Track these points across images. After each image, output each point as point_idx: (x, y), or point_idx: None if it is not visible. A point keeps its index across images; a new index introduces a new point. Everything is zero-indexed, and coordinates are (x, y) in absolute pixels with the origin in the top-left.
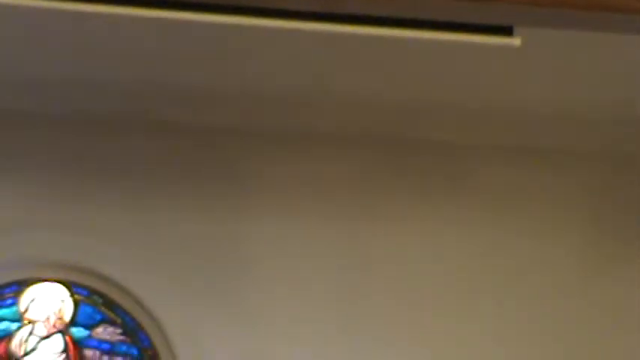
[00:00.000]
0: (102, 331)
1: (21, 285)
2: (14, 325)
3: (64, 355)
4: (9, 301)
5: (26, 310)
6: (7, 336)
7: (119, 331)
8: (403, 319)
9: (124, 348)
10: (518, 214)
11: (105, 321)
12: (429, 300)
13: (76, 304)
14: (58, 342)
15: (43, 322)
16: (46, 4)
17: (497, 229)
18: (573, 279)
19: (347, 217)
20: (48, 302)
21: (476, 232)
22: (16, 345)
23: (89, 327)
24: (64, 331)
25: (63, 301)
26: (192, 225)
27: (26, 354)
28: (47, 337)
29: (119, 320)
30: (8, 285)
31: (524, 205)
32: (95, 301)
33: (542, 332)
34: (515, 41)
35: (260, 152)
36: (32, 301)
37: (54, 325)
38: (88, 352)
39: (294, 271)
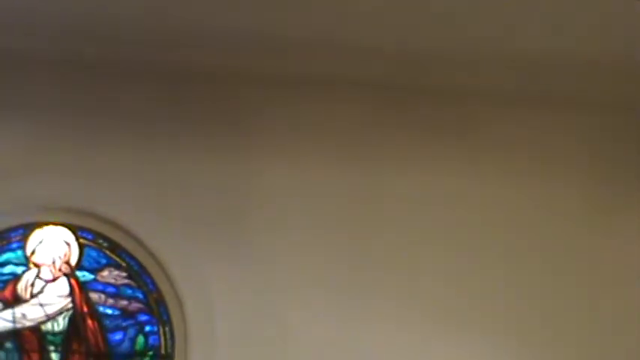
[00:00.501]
0: (107, 275)
1: (27, 229)
2: (20, 269)
3: (69, 299)
4: (15, 245)
5: (32, 254)
6: (14, 279)
7: (124, 274)
8: (414, 258)
9: (129, 291)
10: (523, 157)
11: (110, 264)
12: (439, 238)
13: (81, 247)
14: (63, 285)
15: (49, 265)
16: None
17: (503, 171)
18: (576, 225)
19: (357, 158)
20: (53, 246)
21: (482, 173)
22: (22, 288)
23: (94, 271)
24: (69, 275)
25: (68, 244)
26: (198, 167)
27: (32, 297)
28: (53, 280)
29: (124, 264)
30: (14, 229)
31: (529, 149)
32: (100, 245)
33: (544, 273)
34: None
35: (268, 94)
36: (38, 244)
37: (59, 269)
38: (94, 296)
39: (302, 212)
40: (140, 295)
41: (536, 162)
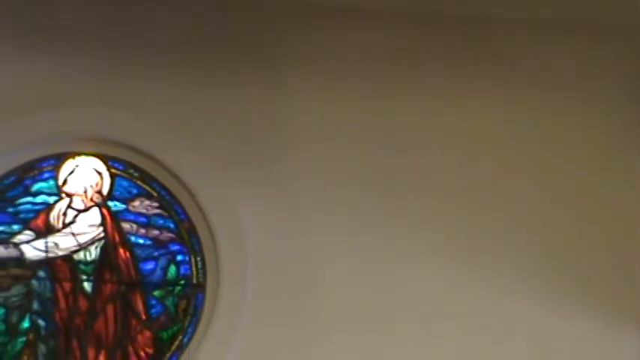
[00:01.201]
0: (138, 205)
1: (58, 159)
2: (52, 199)
3: (101, 229)
4: (47, 175)
5: (64, 184)
6: (46, 209)
7: (155, 204)
8: (440, 195)
9: (160, 221)
10: (548, 88)
11: (141, 195)
12: (469, 172)
13: (113, 177)
14: (95, 215)
15: (81, 195)
16: None
17: (540, 105)
18: (597, 156)
19: (384, 91)
20: (85, 176)
21: (517, 106)
22: (54, 218)
23: (126, 201)
24: (101, 205)
25: (100, 174)
26: (229, 99)
27: (64, 227)
28: (85, 210)
29: (155, 194)
30: (46, 159)
31: (554, 79)
32: (131, 175)
33: (582, 209)
34: None
35: (297, 26)
36: (70, 174)
37: (91, 199)
38: (125, 225)
39: (330, 146)
40: (172, 225)
41: (575, 95)
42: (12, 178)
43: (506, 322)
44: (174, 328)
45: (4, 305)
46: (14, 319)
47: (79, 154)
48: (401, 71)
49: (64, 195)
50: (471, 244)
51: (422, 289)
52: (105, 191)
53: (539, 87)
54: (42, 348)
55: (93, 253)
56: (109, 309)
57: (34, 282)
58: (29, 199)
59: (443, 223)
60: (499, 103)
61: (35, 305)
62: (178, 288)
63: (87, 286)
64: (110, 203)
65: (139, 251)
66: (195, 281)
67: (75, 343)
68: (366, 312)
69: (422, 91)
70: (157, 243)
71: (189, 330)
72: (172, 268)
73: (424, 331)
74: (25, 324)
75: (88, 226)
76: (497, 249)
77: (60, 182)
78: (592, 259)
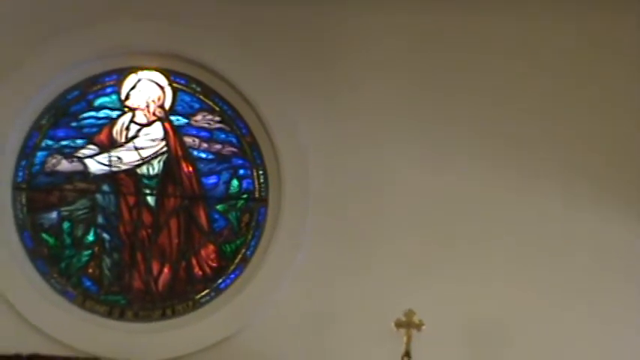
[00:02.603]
0: (200, 119)
1: (121, 73)
2: (115, 113)
3: (163, 143)
4: (109, 90)
5: (126, 98)
6: (109, 124)
7: (217, 119)
8: (504, 103)
9: (222, 136)
10: None
11: (203, 109)
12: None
13: (175, 92)
14: (157, 130)
15: (143, 109)
16: None
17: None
18: None
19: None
20: (147, 90)
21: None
22: (117, 132)
23: (188, 115)
24: (163, 119)
25: (162, 89)
26: (291, 13)
27: (127, 141)
28: (147, 124)
29: (217, 108)
30: (108, 73)
31: None
32: (193, 90)
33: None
34: None
35: None
36: (132, 89)
37: (154, 113)
38: (188, 140)
39: (394, 55)
40: (234, 140)
41: None
42: (75, 93)
43: (572, 232)
44: (237, 242)
45: (69, 219)
46: (79, 232)
47: (142, 69)
48: None
49: (126, 109)
50: (534, 154)
51: (484, 202)
52: (167, 105)
53: None
54: (107, 261)
55: (156, 167)
56: (173, 222)
57: (99, 196)
58: (92, 113)
59: (507, 131)
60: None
61: (100, 219)
62: (241, 202)
63: (150, 199)
64: (172, 117)
65: (201, 165)
66: (257, 195)
67: (139, 256)
68: (427, 224)
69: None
70: (220, 157)
71: (252, 243)
72: (235, 182)
73: (484, 246)
74: (90, 237)
75: (151, 140)
76: (560, 160)
77: (122, 97)
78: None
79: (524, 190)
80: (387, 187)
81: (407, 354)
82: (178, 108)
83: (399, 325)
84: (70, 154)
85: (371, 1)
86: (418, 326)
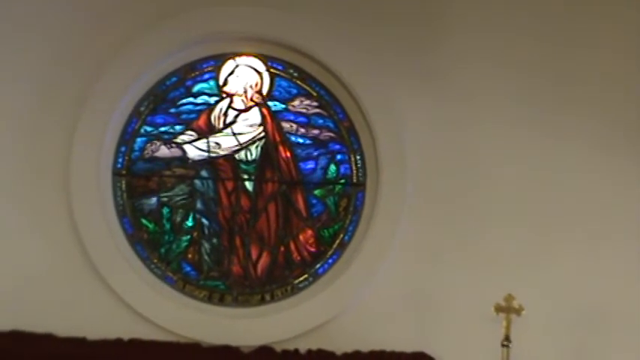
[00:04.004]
0: (298, 105)
1: (219, 59)
2: (213, 99)
3: (261, 128)
4: (207, 76)
5: (224, 84)
6: (207, 109)
7: (315, 104)
8: (607, 90)
9: (320, 121)
10: None
11: (300, 94)
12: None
13: (272, 77)
14: (255, 115)
15: (241, 95)
16: None
17: None
18: None
19: None
20: (245, 76)
21: None
22: (215, 118)
23: (285, 100)
24: (261, 105)
25: (260, 74)
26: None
27: (225, 127)
28: (245, 110)
29: (315, 93)
30: (206, 59)
31: None
32: (291, 75)
33: None
34: None
35: None
36: (230, 75)
37: (251, 99)
38: (285, 125)
39: (493, 44)
40: (331, 125)
41: None
42: (173, 79)
43: None
44: (335, 227)
45: (168, 204)
46: (178, 218)
47: (239, 55)
48: None
49: (224, 95)
50: None
51: (588, 190)
52: (265, 91)
53: None
54: (206, 246)
55: (254, 152)
56: (271, 207)
57: (197, 181)
58: (190, 99)
59: (611, 117)
60: None
61: (198, 204)
62: (338, 187)
63: (248, 185)
64: (270, 103)
65: (299, 150)
66: (355, 180)
67: (238, 241)
68: (527, 209)
69: None
70: (317, 142)
71: (350, 228)
72: (332, 167)
73: (586, 233)
74: (189, 223)
75: (249, 125)
76: None
77: (220, 82)
78: None
79: (633, 182)
80: (486, 170)
81: (506, 338)
82: (276, 93)
83: (498, 309)
84: (168, 140)
85: None
86: (518, 311)
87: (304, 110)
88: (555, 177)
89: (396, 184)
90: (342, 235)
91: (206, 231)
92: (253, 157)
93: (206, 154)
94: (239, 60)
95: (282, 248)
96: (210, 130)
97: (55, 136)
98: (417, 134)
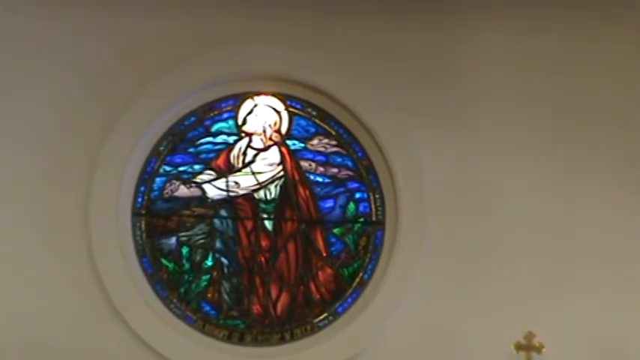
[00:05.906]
0: (317, 143)
1: (237, 98)
2: (232, 138)
3: (280, 167)
4: (226, 115)
5: (243, 124)
6: (226, 149)
7: (333, 142)
8: (622, 128)
9: (338, 159)
10: None
11: (319, 133)
12: None
13: (291, 116)
14: (274, 154)
15: (260, 134)
16: None
17: None
18: None
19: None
20: (264, 115)
21: None
22: (234, 157)
23: (304, 139)
24: (280, 144)
25: (278, 113)
26: (406, 38)
27: (244, 166)
28: (264, 149)
29: (333, 132)
30: (225, 99)
31: None
32: (309, 114)
33: None
34: None
35: None
36: (249, 114)
37: (270, 138)
38: (304, 164)
39: (509, 79)
40: (350, 163)
41: None
42: (192, 119)
43: None
44: (355, 265)
45: (187, 244)
46: (198, 257)
47: (258, 94)
48: None
49: (243, 134)
50: None
51: (606, 227)
52: (283, 130)
53: None
54: (225, 285)
55: (273, 191)
56: (290, 246)
57: (217, 221)
58: (209, 139)
59: (626, 154)
60: None
61: (218, 243)
62: (358, 225)
63: (268, 224)
64: (289, 142)
65: (318, 189)
66: (374, 218)
67: (258, 281)
68: (546, 246)
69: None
70: (336, 181)
71: (369, 267)
72: (351, 206)
73: (605, 270)
74: (209, 262)
75: (268, 164)
76: None
77: (239, 122)
78: None
79: None
80: (505, 207)
81: None
82: (294, 132)
83: (518, 347)
84: (187, 179)
85: (487, 22)
86: (538, 349)
87: (323, 149)
88: (576, 213)
89: (415, 221)
90: (361, 274)
91: (226, 270)
92: (272, 196)
93: (225, 193)
94: (258, 99)
95: (302, 287)
96: (229, 170)
97: (74, 176)
98: (436, 171)
